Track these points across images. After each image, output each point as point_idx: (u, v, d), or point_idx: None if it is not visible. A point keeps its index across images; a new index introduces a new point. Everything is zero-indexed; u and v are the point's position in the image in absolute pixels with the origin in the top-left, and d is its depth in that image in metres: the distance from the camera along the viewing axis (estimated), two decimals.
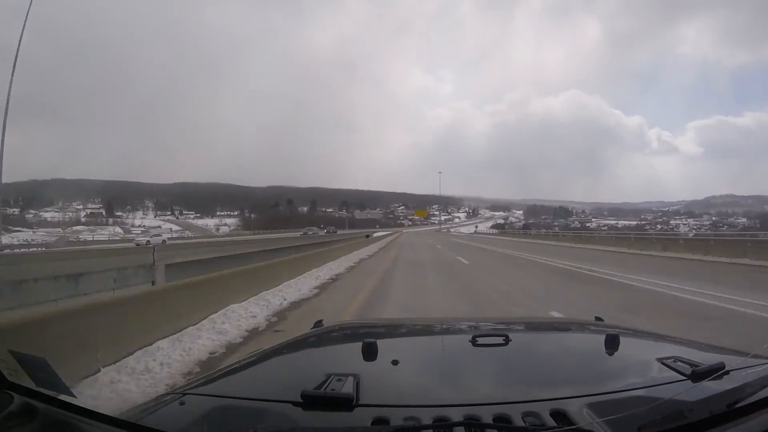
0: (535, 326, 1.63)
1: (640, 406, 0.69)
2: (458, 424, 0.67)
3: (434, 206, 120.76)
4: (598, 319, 1.55)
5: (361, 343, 1.03)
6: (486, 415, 0.70)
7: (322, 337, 1.41)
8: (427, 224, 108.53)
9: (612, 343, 1.07)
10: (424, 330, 1.56)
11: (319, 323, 1.56)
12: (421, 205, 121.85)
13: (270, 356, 1.15)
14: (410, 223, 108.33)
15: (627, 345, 1.17)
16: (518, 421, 0.69)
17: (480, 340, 1.10)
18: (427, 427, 0.68)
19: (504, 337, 1.11)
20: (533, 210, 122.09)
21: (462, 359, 1.10)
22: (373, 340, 1.03)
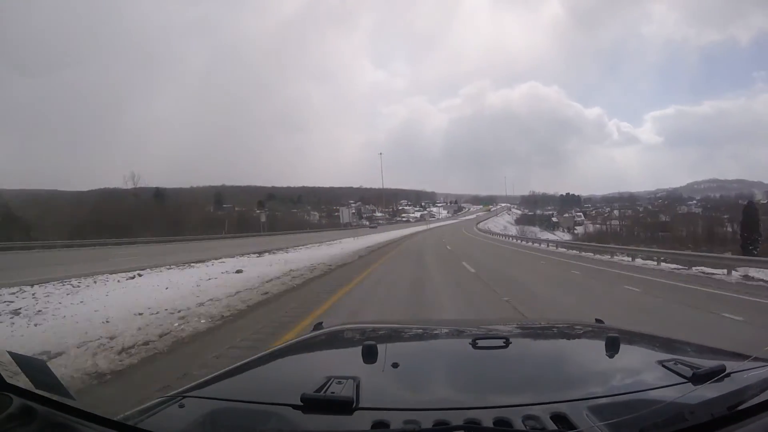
0: (535, 329, 1.63)
1: (641, 409, 0.69)
2: (459, 427, 0.67)
3: (403, 201, 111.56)
4: (598, 321, 1.55)
5: (361, 346, 1.03)
6: (486, 419, 0.69)
7: (322, 339, 1.40)
8: (394, 222, 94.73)
9: (612, 346, 1.07)
10: (425, 333, 1.55)
11: (319, 325, 1.56)
12: (376, 200, 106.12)
13: (270, 359, 1.15)
14: (367, 223, 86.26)
15: (627, 347, 1.17)
16: (519, 425, 0.69)
17: (480, 343, 1.10)
18: (427, 430, 0.68)
19: (504, 340, 1.11)
20: (532, 200, 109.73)
21: (462, 362, 1.10)
22: (373, 342, 1.03)
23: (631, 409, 0.70)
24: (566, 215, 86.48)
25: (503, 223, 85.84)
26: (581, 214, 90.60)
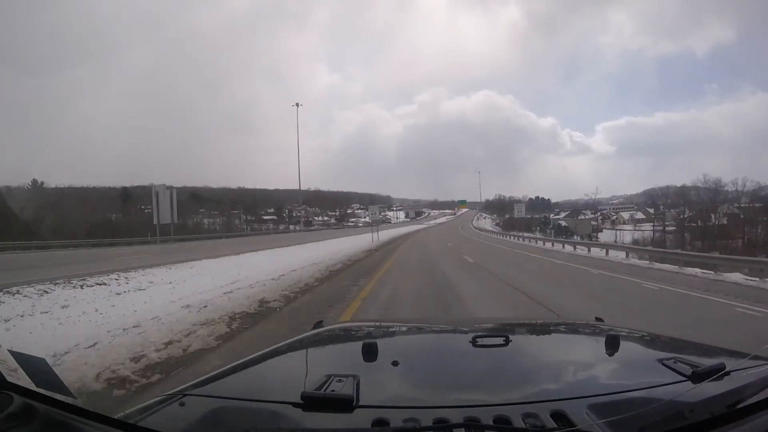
0: (535, 327, 1.63)
1: (641, 407, 0.69)
2: (458, 425, 0.67)
3: (354, 205, 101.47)
4: (598, 319, 1.55)
5: (361, 344, 1.03)
6: (486, 417, 0.70)
7: (322, 337, 1.41)
8: (341, 226, 79.39)
9: (612, 344, 1.07)
10: (425, 331, 1.56)
11: (319, 324, 1.56)
12: (328, 203, 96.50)
13: (270, 357, 1.15)
14: (295, 227, 63.59)
15: (627, 346, 1.17)
16: (518, 423, 0.69)
17: (480, 341, 1.10)
18: (427, 428, 0.68)
19: (504, 338, 1.11)
20: (498, 204, 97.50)
21: (462, 360, 1.10)
22: (373, 340, 1.03)
23: (630, 407, 0.70)
24: (580, 218, 74.27)
25: (490, 227, 77.18)
26: (595, 216, 76.68)
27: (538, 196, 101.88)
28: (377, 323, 1.75)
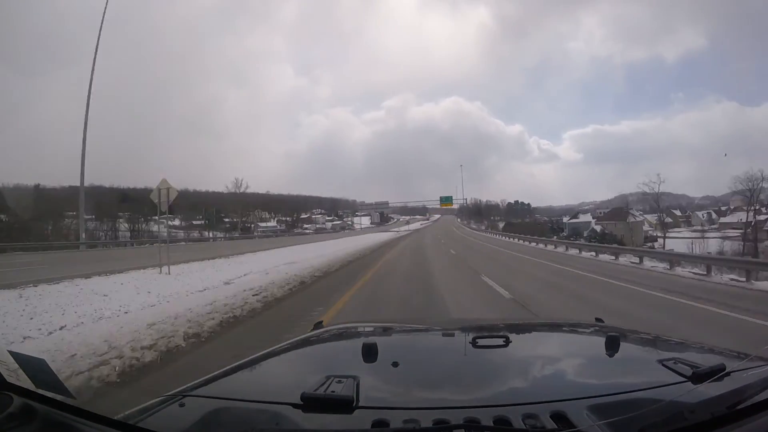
0: (535, 327, 1.63)
1: (641, 408, 0.69)
2: (458, 426, 0.67)
3: (316, 210, 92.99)
4: (598, 320, 1.55)
5: (361, 345, 1.03)
6: (486, 418, 0.70)
7: (322, 338, 1.41)
8: (291, 233, 68.29)
9: (612, 345, 1.07)
10: (425, 332, 1.56)
11: (319, 324, 1.56)
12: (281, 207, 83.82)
13: (270, 357, 1.15)
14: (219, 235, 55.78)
15: (627, 346, 1.17)
16: (518, 424, 0.69)
17: (480, 342, 1.10)
18: (427, 429, 0.68)
19: (504, 339, 1.11)
20: (475, 210, 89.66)
21: (462, 361, 1.10)
22: (373, 341, 1.03)
23: (630, 408, 0.70)
24: (632, 220, 55.07)
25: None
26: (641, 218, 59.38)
27: (517, 201, 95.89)
28: (377, 324, 1.75)
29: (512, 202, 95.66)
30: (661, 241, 49.18)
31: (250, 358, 1.14)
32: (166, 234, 14.82)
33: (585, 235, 51.38)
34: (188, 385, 0.92)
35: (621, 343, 1.09)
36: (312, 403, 0.74)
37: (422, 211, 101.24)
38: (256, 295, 7.57)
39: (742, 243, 41.93)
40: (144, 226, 55.51)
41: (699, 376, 0.80)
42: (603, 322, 1.52)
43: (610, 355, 1.06)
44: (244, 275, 10.23)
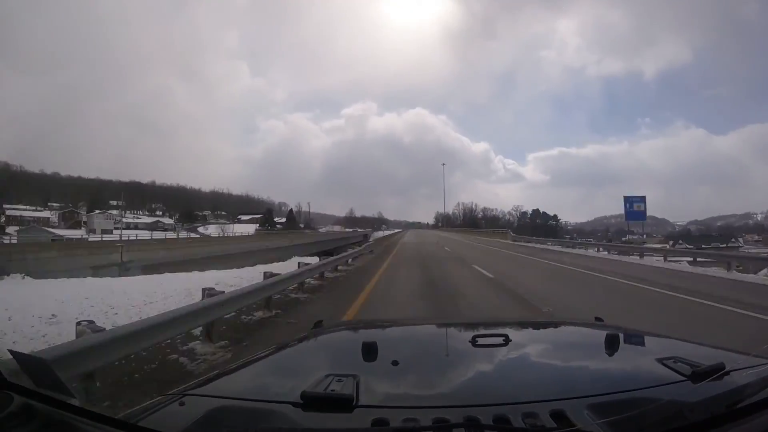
0: (534, 326, 1.63)
1: (641, 407, 0.69)
2: (458, 425, 0.67)
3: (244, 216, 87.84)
4: (597, 319, 1.55)
5: (361, 344, 1.03)
6: (486, 416, 0.70)
7: (321, 337, 1.41)
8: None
9: (612, 344, 1.07)
10: (424, 330, 1.56)
11: (319, 323, 1.56)
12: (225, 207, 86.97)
13: (269, 356, 1.15)
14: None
15: (627, 345, 1.17)
16: (518, 422, 0.69)
17: (480, 341, 1.10)
18: (426, 428, 0.68)
19: (504, 338, 1.11)
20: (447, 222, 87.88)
21: (462, 360, 1.10)
22: (373, 340, 1.03)
23: (630, 407, 0.70)
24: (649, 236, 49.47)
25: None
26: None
27: (483, 215, 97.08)
28: (377, 323, 1.75)
29: (479, 217, 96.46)
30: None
31: (251, 357, 1.14)
32: None
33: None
34: (189, 384, 0.92)
35: (620, 341, 1.09)
36: (312, 401, 0.74)
37: (373, 222, 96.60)
38: None
39: None
40: None
41: (698, 375, 0.80)
42: (603, 321, 1.52)
43: (610, 354, 1.06)
44: None
